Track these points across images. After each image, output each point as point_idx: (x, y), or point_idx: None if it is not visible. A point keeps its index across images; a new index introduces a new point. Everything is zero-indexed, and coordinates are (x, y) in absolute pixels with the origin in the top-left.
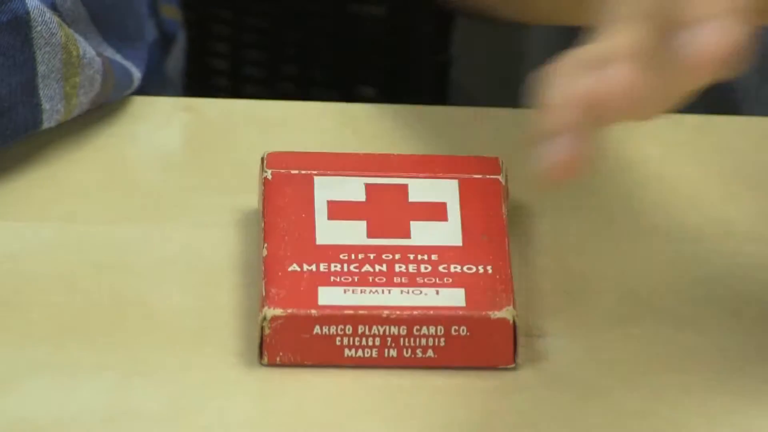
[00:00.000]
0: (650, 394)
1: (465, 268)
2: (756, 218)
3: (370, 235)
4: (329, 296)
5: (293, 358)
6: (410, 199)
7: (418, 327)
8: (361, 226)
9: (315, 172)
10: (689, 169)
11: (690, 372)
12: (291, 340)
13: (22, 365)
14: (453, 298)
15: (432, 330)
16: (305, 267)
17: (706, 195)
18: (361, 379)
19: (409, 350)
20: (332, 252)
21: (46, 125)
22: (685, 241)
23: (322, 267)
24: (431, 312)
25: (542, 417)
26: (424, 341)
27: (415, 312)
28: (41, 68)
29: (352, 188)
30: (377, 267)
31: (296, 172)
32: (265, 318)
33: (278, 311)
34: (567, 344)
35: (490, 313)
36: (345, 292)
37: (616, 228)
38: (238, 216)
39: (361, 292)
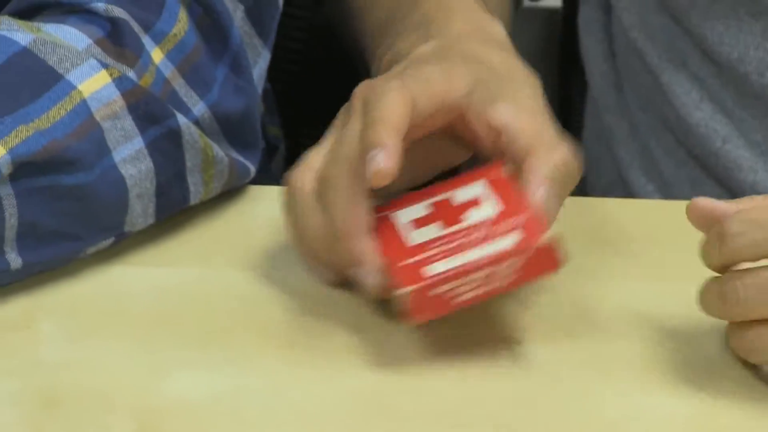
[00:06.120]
0: (654, 397)
1: (511, 222)
2: None
3: (442, 228)
4: (435, 269)
5: (430, 314)
6: (454, 203)
7: (500, 264)
8: (434, 227)
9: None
10: None
11: (694, 374)
12: (426, 304)
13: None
14: (510, 241)
15: (508, 264)
16: (408, 261)
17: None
18: (365, 381)
19: (497, 281)
20: (423, 246)
21: (192, 202)
22: (685, 251)
23: (423, 256)
24: (504, 252)
25: (546, 420)
26: (504, 272)
27: (494, 255)
28: (189, 164)
29: (419, 210)
30: (456, 242)
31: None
32: (403, 294)
33: (408, 288)
34: (568, 349)
35: (538, 243)
36: (444, 263)
37: (619, 233)
38: None
39: (455, 258)
